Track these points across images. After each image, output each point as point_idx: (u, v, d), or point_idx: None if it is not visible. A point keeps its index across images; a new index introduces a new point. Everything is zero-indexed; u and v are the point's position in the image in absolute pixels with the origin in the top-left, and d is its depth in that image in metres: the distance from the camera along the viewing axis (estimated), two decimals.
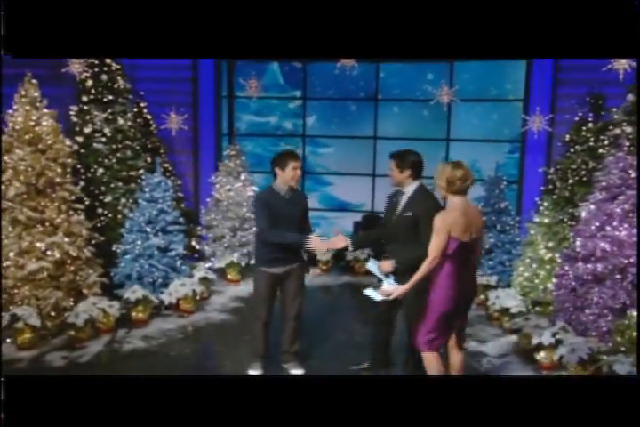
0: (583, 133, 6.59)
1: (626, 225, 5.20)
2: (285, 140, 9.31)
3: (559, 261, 5.64)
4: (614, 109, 5.80)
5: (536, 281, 6.29)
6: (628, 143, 5.21)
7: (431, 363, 4.10)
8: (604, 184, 5.41)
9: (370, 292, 4.26)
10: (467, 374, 4.76)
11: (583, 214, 5.52)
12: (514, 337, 5.95)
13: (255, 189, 8.14)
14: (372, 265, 4.45)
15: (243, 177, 8.10)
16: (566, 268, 5.54)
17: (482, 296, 7.00)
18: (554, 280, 5.60)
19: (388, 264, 4.38)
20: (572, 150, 6.71)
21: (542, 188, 7.09)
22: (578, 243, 5.41)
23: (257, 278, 4.81)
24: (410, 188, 4.48)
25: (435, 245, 3.74)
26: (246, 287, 7.50)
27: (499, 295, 6.38)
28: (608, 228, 5.30)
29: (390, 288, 4.13)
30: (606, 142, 6.51)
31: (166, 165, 7.92)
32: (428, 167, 4.47)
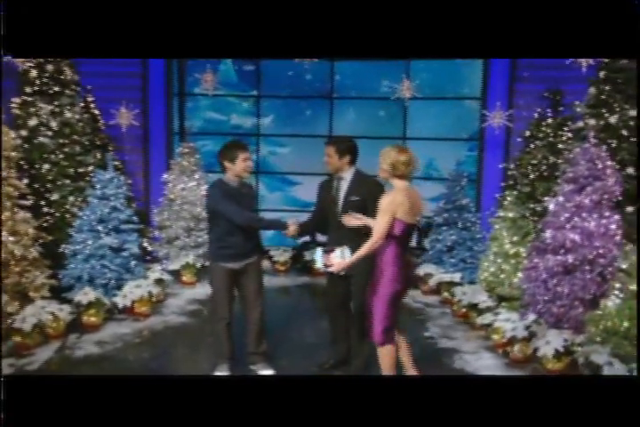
0: (543, 129, 6.62)
1: (595, 216, 5.21)
2: (242, 139, 9.04)
3: (530, 253, 5.60)
4: (577, 103, 5.83)
5: (502, 276, 6.25)
6: (593, 134, 5.21)
7: (387, 356, 4.05)
8: (570, 175, 5.41)
9: (318, 255, 4.21)
10: (432, 367, 4.82)
11: (551, 207, 5.51)
12: (482, 333, 5.89)
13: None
14: (318, 255, 4.30)
15: (197, 176, 7.81)
16: (536, 260, 5.51)
17: (445, 293, 6.95)
18: (524, 273, 5.56)
19: (335, 259, 4.14)
20: (532, 146, 6.74)
21: (503, 184, 7.10)
22: (547, 235, 5.39)
23: (214, 276, 4.55)
24: (348, 173, 4.52)
25: (379, 227, 3.78)
26: (203, 290, 7.25)
27: (465, 291, 6.33)
28: (577, 219, 5.30)
29: (335, 260, 4.04)
30: (565, 138, 6.59)
31: (116, 163, 7.53)
32: None
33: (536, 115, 6.79)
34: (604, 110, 5.56)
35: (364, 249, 3.87)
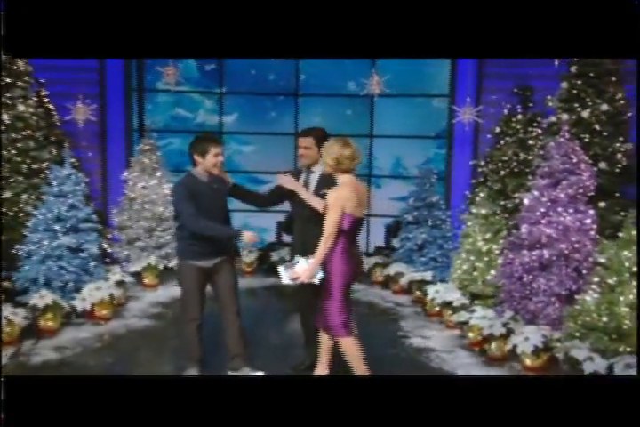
0: (513, 125, 6.59)
1: (571, 210, 5.18)
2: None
3: (505, 249, 5.54)
4: (549, 97, 5.81)
5: (475, 273, 6.18)
6: (567, 128, 5.18)
7: (351, 348, 4.01)
8: (545, 170, 5.38)
9: (282, 271, 4.05)
10: (408, 366, 4.84)
11: (526, 201, 5.47)
12: (457, 331, 5.80)
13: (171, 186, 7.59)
14: (282, 270, 4.07)
15: (158, 174, 7.54)
16: (511, 256, 5.45)
17: (417, 293, 6.84)
18: (499, 269, 5.50)
19: (301, 270, 4.00)
20: (502, 142, 6.70)
21: (473, 181, 7.05)
22: (523, 230, 5.34)
23: (184, 274, 4.35)
24: (318, 167, 4.39)
25: (330, 223, 3.79)
26: (165, 292, 7.02)
27: (438, 290, 6.23)
28: (552, 214, 5.26)
29: (301, 271, 3.95)
30: (535, 134, 6.57)
31: (72, 160, 7.19)
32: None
33: (506, 111, 6.73)
34: (576, 105, 5.54)
35: (323, 249, 3.84)
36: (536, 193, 5.37)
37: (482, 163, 6.92)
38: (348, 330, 3.98)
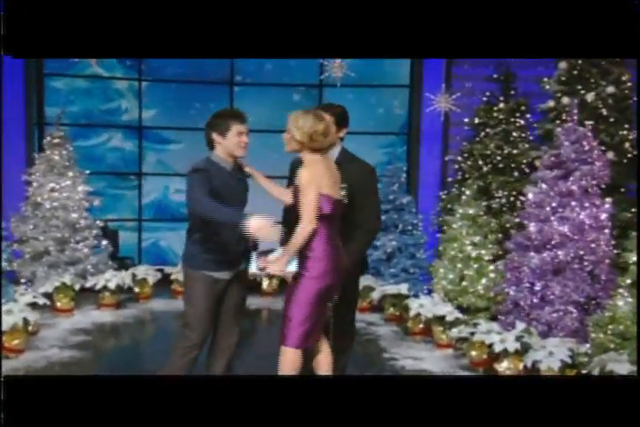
0: (495, 115, 6.36)
1: (586, 204, 4.94)
2: (121, 132, 8.08)
3: (508, 252, 5.23)
4: (545, 79, 5.60)
5: (464, 283, 5.84)
6: (576, 111, 4.96)
7: (289, 362, 3.53)
8: (553, 160, 5.14)
9: (252, 259, 3.66)
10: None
11: (530, 196, 5.20)
12: (450, 351, 5.41)
13: (89, 188, 6.81)
14: (254, 258, 3.70)
15: (71, 173, 6.73)
16: (517, 259, 5.14)
17: (391, 309, 6.41)
18: (506, 275, 5.18)
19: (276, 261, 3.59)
20: (482, 134, 6.45)
21: (449, 179, 6.75)
22: (532, 229, 5.04)
23: (193, 288, 3.72)
24: (336, 151, 3.92)
25: (308, 206, 3.41)
26: (83, 318, 6.27)
27: (423, 304, 5.82)
28: (565, 209, 5.01)
29: (271, 261, 3.53)
30: (519, 124, 6.38)
31: None
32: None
33: (485, 99, 6.50)
34: (579, 87, 5.34)
35: (297, 236, 3.40)
36: (544, 186, 5.11)
37: (459, 158, 6.61)
38: (301, 342, 3.51)
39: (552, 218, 5.03)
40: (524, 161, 6.31)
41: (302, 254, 3.49)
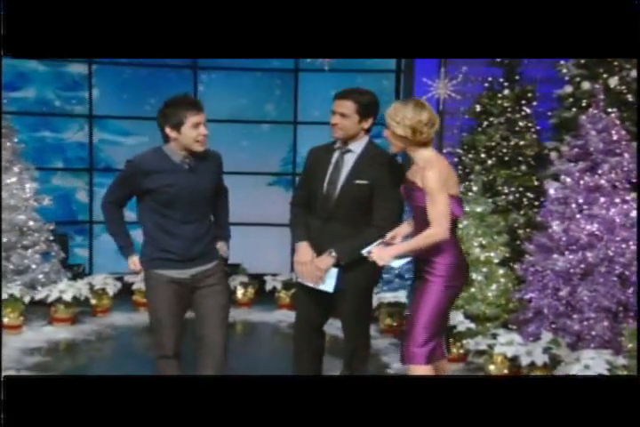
0: (500, 102, 6.17)
1: (617, 200, 4.78)
2: (65, 122, 7.60)
3: (527, 255, 5.03)
4: (562, 62, 5.43)
5: (472, 289, 5.61)
6: (602, 97, 4.79)
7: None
8: (577, 151, 4.96)
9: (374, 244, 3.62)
10: None
11: (552, 192, 5.02)
12: (461, 364, 5.21)
13: (36, 186, 6.35)
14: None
15: (17, 169, 6.27)
16: (539, 262, 4.95)
17: (388, 319, 6.14)
18: (528, 279, 4.98)
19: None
20: (484, 124, 6.25)
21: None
22: (555, 228, 4.85)
23: (151, 291, 3.70)
24: (359, 144, 3.80)
25: (442, 212, 3.36)
26: (36, 335, 5.80)
27: None
28: (588, 206, 4.86)
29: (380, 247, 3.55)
30: (525, 113, 6.21)
31: None
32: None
33: (486, 84, 6.30)
34: (601, 70, 5.19)
35: (422, 241, 3.40)
36: (568, 180, 4.92)
37: (458, 151, 6.39)
38: (430, 359, 3.55)
39: (578, 216, 4.84)
40: (532, 153, 6.14)
41: (431, 259, 3.49)
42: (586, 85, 5.23)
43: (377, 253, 3.48)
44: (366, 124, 3.76)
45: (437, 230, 3.36)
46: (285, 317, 6.61)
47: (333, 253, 3.73)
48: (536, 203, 6.16)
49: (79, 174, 7.69)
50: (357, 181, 3.73)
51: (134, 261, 3.67)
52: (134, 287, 6.68)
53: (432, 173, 3.38)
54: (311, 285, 3.79)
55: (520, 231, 6.02)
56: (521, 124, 6.19)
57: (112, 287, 6.48)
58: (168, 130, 3.53)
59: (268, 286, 6.87)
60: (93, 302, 6.42)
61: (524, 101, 6.26)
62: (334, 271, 3.75)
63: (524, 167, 6.08)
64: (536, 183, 6.15)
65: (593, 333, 4.69)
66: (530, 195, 6.11)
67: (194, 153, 3.57)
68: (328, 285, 3.77)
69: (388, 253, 3.47)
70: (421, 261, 3.55)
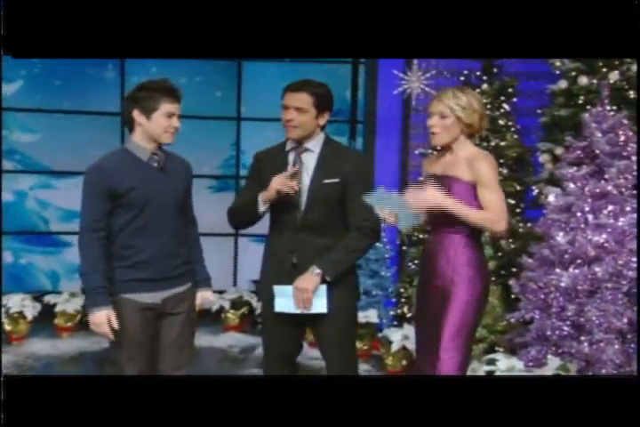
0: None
1: (628, 208, 4.64)
2: None
3: (530, 269, 4.84)
4: None
5: None
6: (607, 93, 4.67)
7: None
8: (579, 153, 4.82)
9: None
10: None
11: (551, 199, 4.85)
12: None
13: None
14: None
15: None
16: (538, 278, 4.77)
17: (357, 342, 5.84)
18: (526, 297, 4.80)
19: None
20: None
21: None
22: (560, 239, 4.67)
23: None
24: (316, 142, 3.66)
25: (502, 204, 3.41)
26: None
27: (408, 335, 5.35)
28: (593, 215, 4.71)
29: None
30: (504, 111, 6.07)
31: None
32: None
33: (462, 78, 6.11)
34: (600, 64, 5.07)
35: (477, 215, 3.34)
36: (572, 186, 4.75)
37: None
38: (462, 371, 3.55)
39: (583, 226, 4.69)
40: (514, 155, 5.98)
41: (449, 264, 3.46)
42: (583, 80, 5.09)
43: (429, 193, 3.30)
44: (322, 120, 3.62)
45: (499, 219, 3.34)
46: (235, 340, 6.27)
47: (317, 271, 3.51)
48: (517, 210, 6.01)
49: None
50: (326, 181, 3.57)
51: (108, 314, 3.33)
52: (57, 309, 6.15)
53: (488, 162, 3.41)
54: (298, 311, 3.57)
55: (503, 242, 5.84)
56: (501, 122, 6.01)
57: (30, 310, 5.94)
58: (136, 113, 3.37)
59: (215, 306, 6.45)
60: (8, 328, 5.88)
61: (503, 97, 6.09)
62: (323, 289, 3.53)
63: (504, 171, 5.89)
64: (518, 188, 5.99)
65: (604, 357, 4.51)
66: (511, 201, 5.92)
67: (162, 150, 3.46)
68: (319, 305, 3.54)
69: (438, 194, 3.30)
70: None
